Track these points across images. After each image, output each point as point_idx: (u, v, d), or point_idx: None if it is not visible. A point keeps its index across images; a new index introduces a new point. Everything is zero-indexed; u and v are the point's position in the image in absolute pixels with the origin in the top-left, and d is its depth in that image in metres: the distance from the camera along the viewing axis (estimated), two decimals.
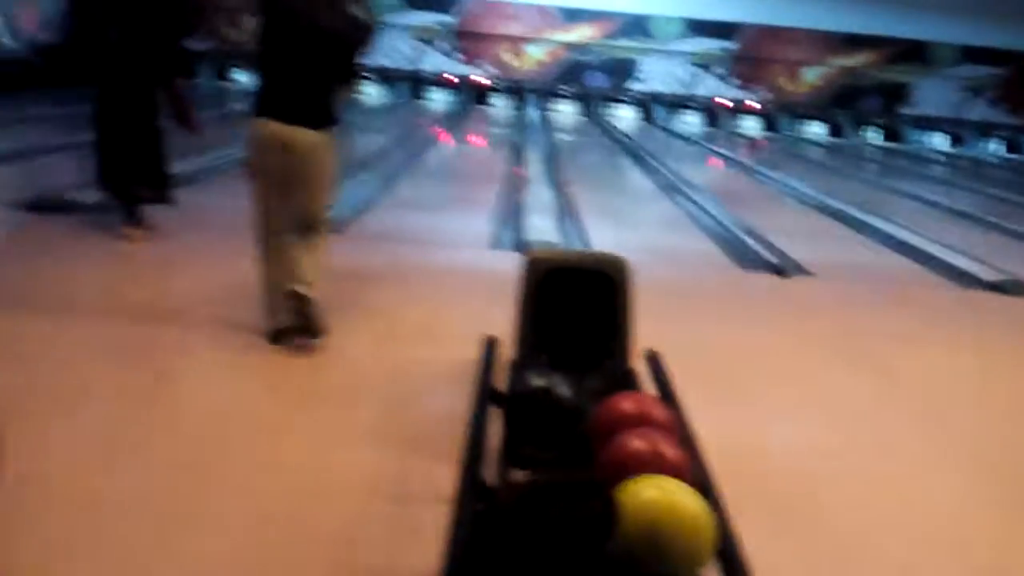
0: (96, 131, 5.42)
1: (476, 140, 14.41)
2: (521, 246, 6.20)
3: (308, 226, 3.82)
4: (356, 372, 3.71)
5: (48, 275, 4.71)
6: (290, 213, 3.75)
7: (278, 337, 3.76)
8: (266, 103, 3.69)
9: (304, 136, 3.64)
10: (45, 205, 6.05)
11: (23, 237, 5.51)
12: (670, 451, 1.77)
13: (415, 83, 19.37)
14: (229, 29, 19.32)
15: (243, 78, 19.40)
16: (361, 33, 3.78)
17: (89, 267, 5.02)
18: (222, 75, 19.30)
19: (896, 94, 19.96)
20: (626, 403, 2.00)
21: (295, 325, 3.70)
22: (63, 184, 6.70)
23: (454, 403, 3.37)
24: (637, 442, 1.78)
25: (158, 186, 5.50)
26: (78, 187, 6.50)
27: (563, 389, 2.13)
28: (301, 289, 3.66)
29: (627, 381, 2.67)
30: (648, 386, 2.75)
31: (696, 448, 2.05)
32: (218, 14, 19.11)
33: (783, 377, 4.13)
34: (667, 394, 2.55)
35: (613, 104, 19.74)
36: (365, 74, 3.81)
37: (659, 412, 1.99)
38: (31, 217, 5.90)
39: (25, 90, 13.77)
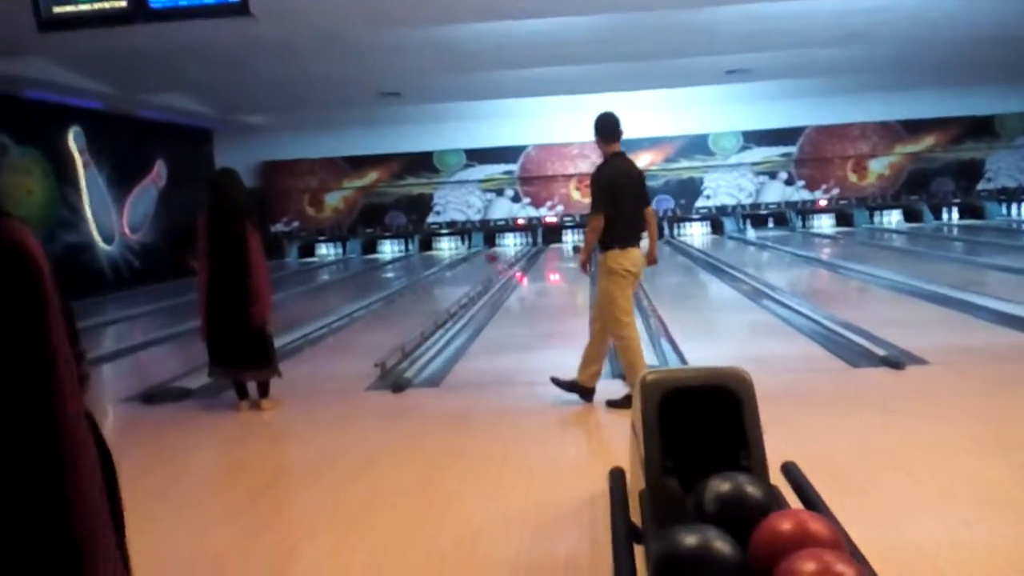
0: (202, 317, 5.67)
1: (554, 278, 14.58)
2: (620, 373, 6.13)
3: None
4: (480, 520, 3.63)
5: (170, 459, 4.83)
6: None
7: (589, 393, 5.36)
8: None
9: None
10: (158, 396, 6.26)
11: (142, 428, 5.68)
12: (849, 570, 1.63)
13: (488, 232, 19.96)
14: (311, 209, 20.42)
15: (327, 251, 20.35)
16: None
17: (209, 448, 5.15)
18: (308, 252, 20.26)
19: (969, 171, 19.63)
20: (784, 523, 1.87)
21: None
22: (171, 374, 6.96)
23: (587, 543, 3.27)
24: (810, 565, 1.65)
25: (265, 362, 5.69)
26: (185, 374, 6.76)
27: (721, 544, 1.92)
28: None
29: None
30: (792, 501, 2.61)
31: (866, 563, 1.91)
32: (301, 196, 20.26)
33: (923, 471, 3.89)
34: (815, 506, 2.41)
35: (683, 223, 19.90)
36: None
37: (820, 527, 1.86)
38: (146, 408, 6.10)
39: (122, 290, 14.63)
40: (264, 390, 5.76)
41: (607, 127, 5.35)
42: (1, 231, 1.59)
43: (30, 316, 1.62)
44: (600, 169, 5.36)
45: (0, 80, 11.20)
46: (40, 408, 1.65)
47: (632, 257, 5.22)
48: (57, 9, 5.68)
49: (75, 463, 1.71)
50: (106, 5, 5.67)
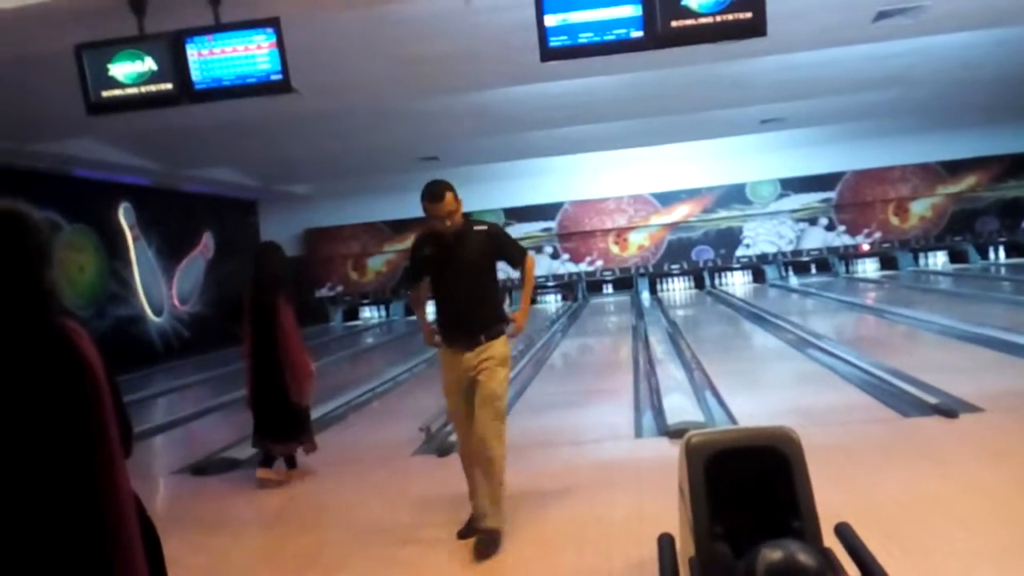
0: (247, 388, 5.75)
1: (597, 332, 14.53)
2: (666, 431, 6.07)
3: None
4: None
5: (219, 533, 4.86)
6: None
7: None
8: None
9: None
10: (207, 467, 6.33)
11: (189, 501, 5.74)
12: None
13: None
14: (355, 273, 20.72)
15: (370, 314, 20.58)
16: None
17: (256, 521, 5.17)
18: (352, 315, 20.51)
19: (1013, 209, 19.31)
20: None
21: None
22: (220, 444, 7.03)
23: None
24: None
25: (291, 435, 5.75)
26: (234, 444, 6.83)
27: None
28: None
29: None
30: (846, 563, 2.55)
31: None
32: (345, 261, 20.59)
33: (980, 525, 3.79)
34: (870, 570, 2.36)
35: (724, 273, 19.80)
36: None
37: None
38: (196, 480, 6.16)
39: (172, 361, 14.87)
40: (291, 462, 5.84)
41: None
42: (62, 333, 1.71)
43: (79, 407, 1.74)
44: (492, 226, 4.68)
45: (51, 160, 11.63)
46: (85, 487, 1.74)
47: None
48: (105, 93, 5.87)
49: (120, 539, 1.78)
50: (152, 88, 5.85)
